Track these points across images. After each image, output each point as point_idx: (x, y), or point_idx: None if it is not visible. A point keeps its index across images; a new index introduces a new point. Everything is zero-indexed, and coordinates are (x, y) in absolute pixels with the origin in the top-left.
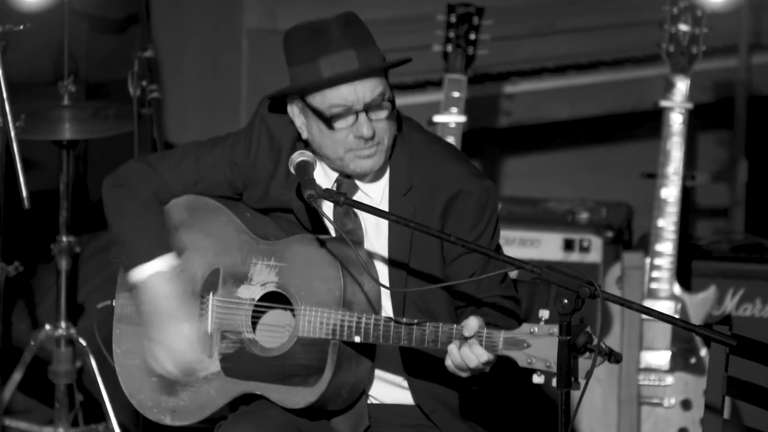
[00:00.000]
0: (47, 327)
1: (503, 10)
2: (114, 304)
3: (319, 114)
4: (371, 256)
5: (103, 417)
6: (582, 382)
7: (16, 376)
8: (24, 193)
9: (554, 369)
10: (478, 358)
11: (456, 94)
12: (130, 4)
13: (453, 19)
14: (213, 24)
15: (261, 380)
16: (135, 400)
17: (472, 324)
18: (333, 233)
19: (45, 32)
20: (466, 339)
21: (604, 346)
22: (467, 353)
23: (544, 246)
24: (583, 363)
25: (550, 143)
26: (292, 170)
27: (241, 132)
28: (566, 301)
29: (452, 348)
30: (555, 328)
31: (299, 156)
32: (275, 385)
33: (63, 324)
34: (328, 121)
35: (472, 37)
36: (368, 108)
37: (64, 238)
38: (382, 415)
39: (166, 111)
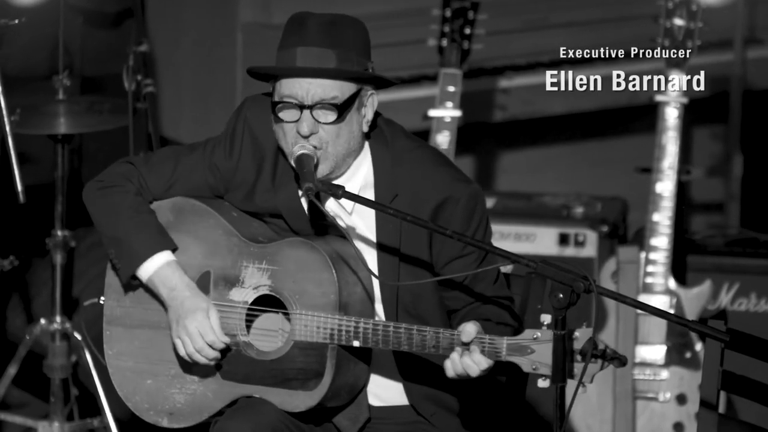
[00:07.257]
0: (42, 321)
1: (498, 5)
2: (102, 301)
3: (272, 102)
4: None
5: (99, 411)
6: (588, 385)
7: (11, 370)
8: (19, 187)
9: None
10: (478, 365)
11: (451, 89)
12: None
13: (448, 13)
14: (208, 18)
15: (259, 383)
16: (130, 402)
17: (469, 329)
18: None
19: (40, 27)
20: (466, 346)
21: (609, 350)
22: (468, 362)
23: (539, 240)
24: (590, 367)
25: (545, 138)
26: (293, 163)
27: (221, 135)
28: (561, 295)
29: (454, 357)
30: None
31: (300, 149)
32: (275, 388)
33: (58, 318)
34: (275, 109)
35: (468, 31)
36: (313, 107)
37: (59, 232)
38: (381, 415)
39: (161, 105)
